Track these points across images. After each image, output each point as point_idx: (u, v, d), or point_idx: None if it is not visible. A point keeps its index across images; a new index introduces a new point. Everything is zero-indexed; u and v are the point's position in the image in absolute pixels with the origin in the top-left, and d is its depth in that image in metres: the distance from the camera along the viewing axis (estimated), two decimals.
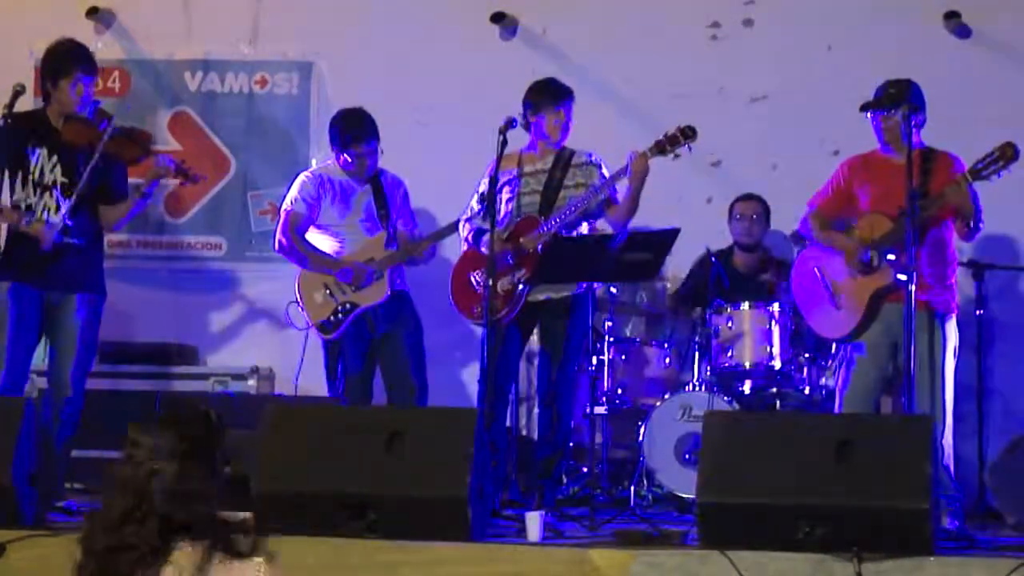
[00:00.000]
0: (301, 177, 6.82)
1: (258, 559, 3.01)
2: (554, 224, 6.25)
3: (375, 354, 6.67)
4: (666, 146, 6.19)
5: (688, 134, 6.17)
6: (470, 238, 6.49)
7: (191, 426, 3.04)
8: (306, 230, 6.70)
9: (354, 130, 6.59)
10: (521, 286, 6.28)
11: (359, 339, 6.61)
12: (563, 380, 6.34)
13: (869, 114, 5.92)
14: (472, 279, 6.46)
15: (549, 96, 6.41)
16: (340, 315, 6.59)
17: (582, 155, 6.47)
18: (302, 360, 6.79)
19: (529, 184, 6.44)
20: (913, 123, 5.64)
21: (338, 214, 6.67)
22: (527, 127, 6.42)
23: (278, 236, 6.76)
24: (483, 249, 6.30)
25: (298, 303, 6.71)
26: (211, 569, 2.94)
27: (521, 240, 6.31)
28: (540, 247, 6.25)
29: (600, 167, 6.44)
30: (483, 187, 6.38)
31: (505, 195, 6.42)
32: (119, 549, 2.92)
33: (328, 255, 6.68)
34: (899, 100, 5.77)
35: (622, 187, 6.34)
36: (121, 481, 2.97)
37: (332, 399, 6.65)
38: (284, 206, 6.78)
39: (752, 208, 7.29)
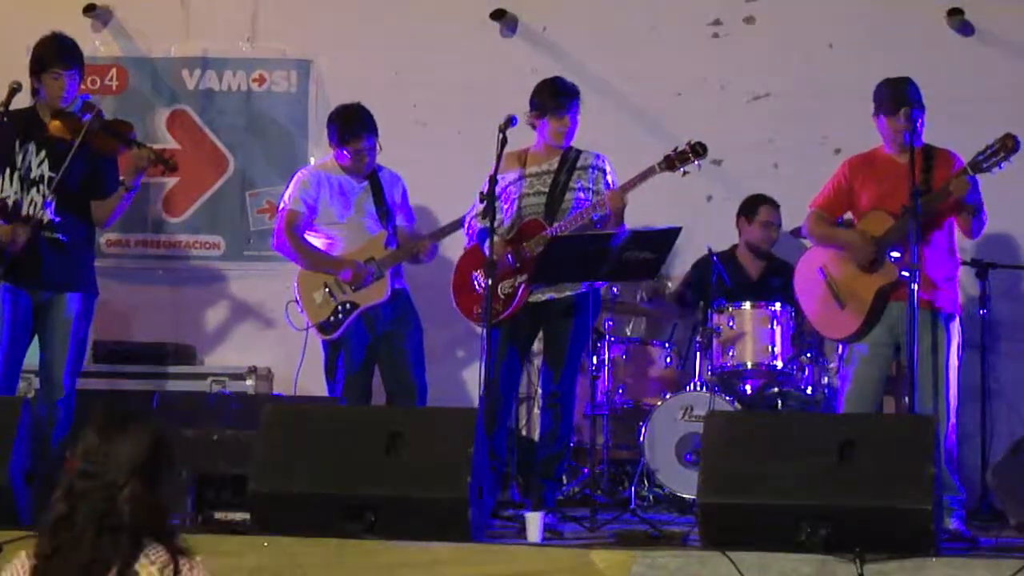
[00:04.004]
0: (299, 175, 6.79)
1: (199, 557, 2.99)
2: (559, 230, 6.21)
3: (375, 353, 6.63)
4: (675, 162, 6.12)
5: (699, 151, 6.10)
6: (475, 236, 6.45)
7: (146, 434, 3.02)
8: (305, 229, 6.67)
9: (352, 126, 6.55)
10: (521, 289, 6.25)
11: (359, 338, 6.58)
12: (565, 381, 6.30)
13: (886, 119, 5.86)
14: (474, 279, 6.43)
15: (553, 101, 6.30)
16: (340, 315, 6.56)
17: (589, 157, 6.39)
18: (302, 360, 6.75)
19: (534, 185, 6.39)
20: (919, 121, 5.64)
21: (337, 213, 6.64)
22: (534, 126, 6.37)
23: (276, 235, 6.73)
24: (484, 247, 6.29)
25: (297, 303, 6.68)
26: (182, 571, 2.95)
27: (525, 243, 6.27)
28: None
29: (605, 172, 6.37)
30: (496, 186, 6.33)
31: (511, 194, 6.38)
32: (95, 562, 2.91)
33: (328, 254, 6.64)
34: (909, 100, 5.76)
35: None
36: (86, 494, 2.96)
37: (331, 399, 6.62)
38: (282, 204, 6.75)
39: (777, 215, 7.24)
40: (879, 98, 5.90)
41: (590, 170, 6.35)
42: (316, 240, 6.69)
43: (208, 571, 3.00)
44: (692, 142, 6.11)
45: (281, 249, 6.75)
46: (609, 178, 6.36)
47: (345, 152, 6.58)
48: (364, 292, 6.56)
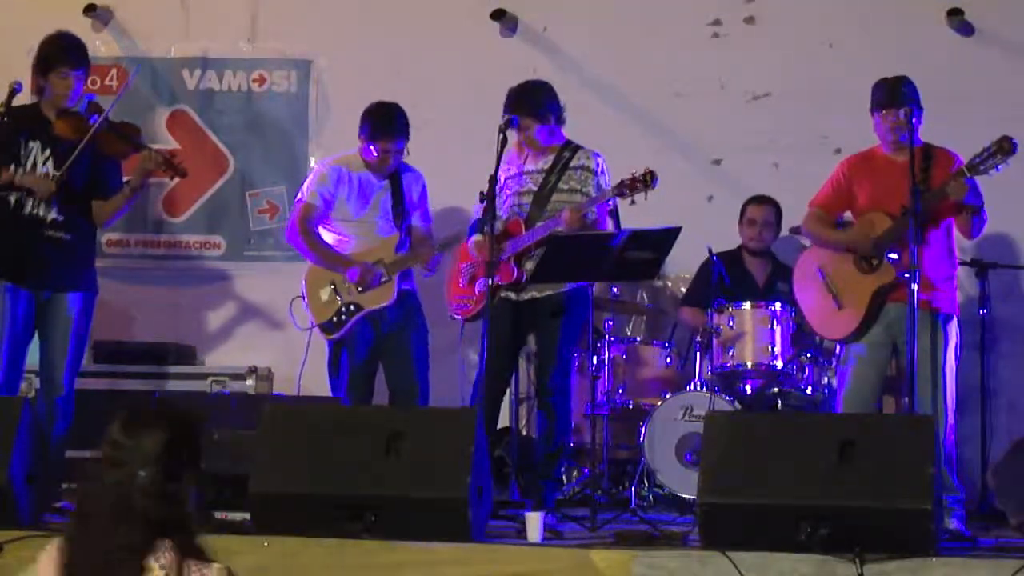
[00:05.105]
0: (320, 167, 6.74)
1: (220, 565, 2.97)
2: (530, 239, 6.19)
3: (379, 353, 6.61)
4: (626, 190, 6.05)
5: (648, 181, 6.03)
6: (471, 224, 6.44)
7: (173, 427, 3.01)
8: (320, 223, 6.64)
9: (386, 125, 6.51)
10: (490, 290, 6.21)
11: (364, 339, 6.55)
12: (557, 379, 6.26)
13: (879, 115, 5.87)
14: (461, 270, 6.45)
15: (511, 112, 6.24)
16: (343, 316, 6.54)
17: (583, 156, 6.35)
18: (305, 359, 6.74)
19: (527, 183, 6.38)
20: (916, 120, 5.64)
21: (353, 210, 6.61)
22: None
23: (290, 226, 6.71)
24: (470, 242, 6.35)
25: (303, 298, 6.67)
26: (186, 571, 2.93)
27: (504, 244, 6.22)
28: (514, 259, 6.20)
29: (597, 174, 6.32)
30: (500, 174, 6.32)
31: (508, 190, 6.38)
32: (111, 551, 2.91)
33: (338, 252, 6.61)
34: (908, 99, 5.76)
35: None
36: (105, 484, 2.96)
37: (332, 399, 6.62)
38: (299, 196, 6.71)
39: (764, 213, 7.22)
40: (875, 96, 5.90)
41: (580, 171, 6.31)
42: (327, 235, 6.66)
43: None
44: (645, 171, 6.05)
45: (292, 241, 6.73)
46: (601, 179, 6.30)
47: (372, 148, 6.55)
48: (370, 295, 6.53)
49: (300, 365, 6.70)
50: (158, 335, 7.82)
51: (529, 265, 6.23)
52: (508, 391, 6.55)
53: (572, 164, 6.33)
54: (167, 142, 7.94)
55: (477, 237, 6.26)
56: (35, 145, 5.97)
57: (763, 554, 4.57)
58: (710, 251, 7.02)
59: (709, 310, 6.88)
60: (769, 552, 4.58)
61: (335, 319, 6.55)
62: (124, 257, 8.03)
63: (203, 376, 7.54)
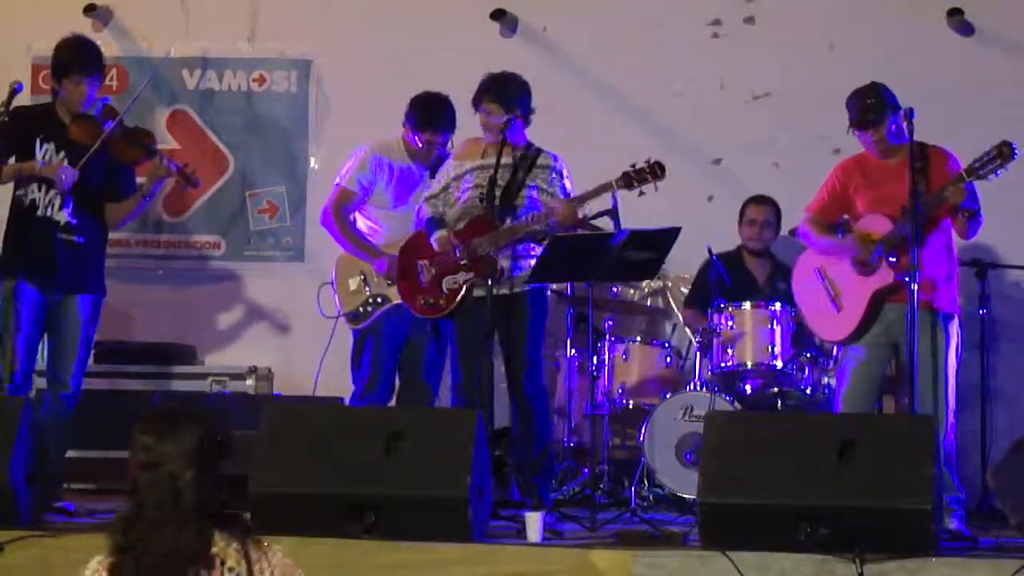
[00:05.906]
0: (361, 153, 6.65)
1: (278, 547, 3.09)
2: (513, 234, 6.13)
3: (404, 346, 6.60)
4: (633, 180, 5.94)
5: (657, 172, 5.93)
6: (423, 222, 6.34)
7: (202, 426, 3.11)
8: (354, 210, 6.63)
9: (432, 116, 6.49)
10: (467, 288, 6.16)
11: (391, 329, 6.53)
12: (533, 381, 6.19)
13: (858, 132, 5.87)
14: (419, 268, 6.29)
15: (476, 98, 6.24)
16: (369, 307, 6.55)
17: (548, 157, 6.24)
18: (327, 349, 6.73)
19: (489, 177, 6.25)
20: (894, 121, 5.65)
21: (391, 200, 6.59)
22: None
23: (324, 211, 6.70)
24: (432, 239, 6.22)
25: (332, 284, 6.67)
26: (256, 558, 3.04)
27: (474, 240, 6.15)
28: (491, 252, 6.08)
29: (563, 176, 6.24)
30: (452, 170, 6.28)
31: (465, 183, 6.24)
32: (168, 555, 2.99)
33: (369, 242, 6.61)
34: (883, 109, 5.76)
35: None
36: (149, 487, 3.04)
37: (332, 399, 6.62)
38: (338, 179, 6.69)
39: (763, 213, 7.21)
40: (850, 114, 5.88)
41: (547, 170, 6.21)
42: (360, 222, 6.64)
43: (284, 557, 3.08)
44: (651, 162, 5.94)
45: (326, 224, 6.72)
46: (567, 183, 6.22)
47: (418, 139, 6.54)
48: (397, 288, 6.52)
49: (317, 362, 6.68)
50: (158, 335, 7.83)
51: (505, 263, 6.11)
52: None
53: (539, 163, 6.22)
54: (167, 142, 7.94)
55: (441, 233, 6.19)
56: (49, 147, 6.00)
57: (763, 554, 4.58)
58: (710, 251, 7.02)
59: (709, 310, 6.88)
60: (769, 552, 4.59)
61: (361, 309, 6.57)
62: (124, 257, 8.01)
63: (203, 376, 7.54)
